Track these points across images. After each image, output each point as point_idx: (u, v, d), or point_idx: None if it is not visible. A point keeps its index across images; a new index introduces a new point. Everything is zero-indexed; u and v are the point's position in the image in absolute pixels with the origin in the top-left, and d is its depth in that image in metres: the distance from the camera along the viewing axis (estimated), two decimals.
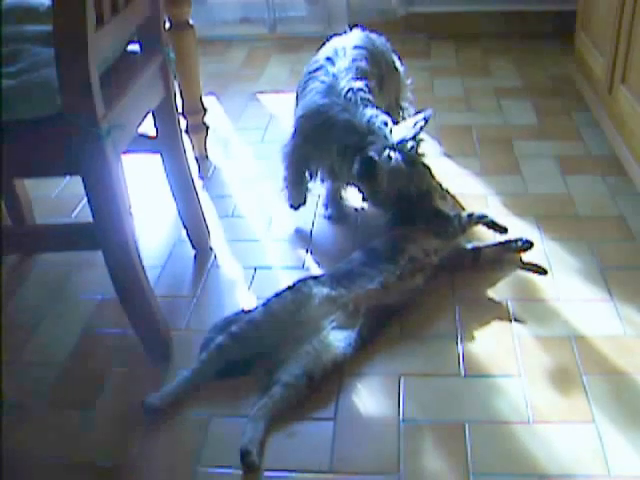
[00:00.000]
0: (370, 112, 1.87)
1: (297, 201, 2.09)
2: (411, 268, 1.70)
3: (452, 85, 2.96)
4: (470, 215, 1.90)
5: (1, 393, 1.46)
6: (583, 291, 1.76)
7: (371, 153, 1.79)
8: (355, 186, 1.94)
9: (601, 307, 1.71)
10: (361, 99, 1.89)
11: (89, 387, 1.57)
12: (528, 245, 1.87)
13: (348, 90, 1.90)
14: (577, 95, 2.76)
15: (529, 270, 1.84)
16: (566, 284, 1.79)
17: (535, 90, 2.87)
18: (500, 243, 1.88)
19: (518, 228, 1.97)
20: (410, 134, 1.83)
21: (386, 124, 1.85)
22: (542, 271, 1.83)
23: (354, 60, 2.01)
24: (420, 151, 1.86)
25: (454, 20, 3.45)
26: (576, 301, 1.73)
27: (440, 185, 2.01)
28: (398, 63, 2.27)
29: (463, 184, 2.22)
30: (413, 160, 1.83)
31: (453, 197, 2.08)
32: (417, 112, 1.94)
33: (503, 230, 1.90)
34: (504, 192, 2.18)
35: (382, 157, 1.79)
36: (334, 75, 1.95)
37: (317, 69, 2.02)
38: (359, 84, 1.93)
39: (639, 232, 1.96)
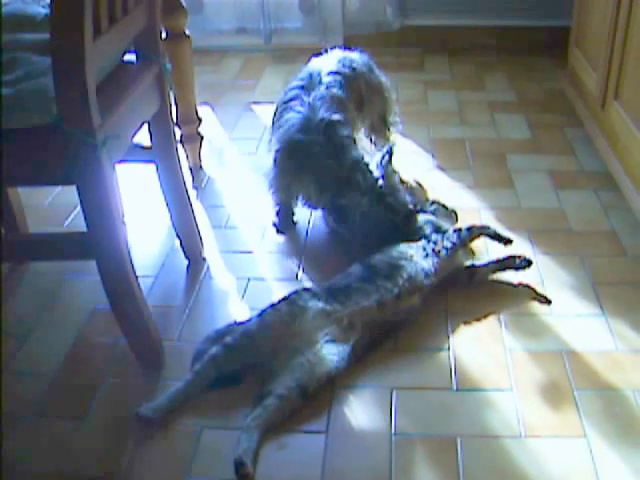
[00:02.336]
0: (352, 155, 1.92)
1: (283, 227, 2.12)
2: (409, 288, 1.69)
3: (446, 98, 2.98)
4: (470, 228, 1.88)
5: (1, 400, 1.45)
6: (575, 306, 1.77)
7: (343, 202, 1.89)
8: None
9: (593, 322, 1.72)
10: (343, 136, 1.93)
11: (81, 396, 1.56)
12: (526, 263, 1.84)
13: (326, 125, 1.92)
14: (570, 110, 2.77)
15: (535, 299, 1.80)
16: (558, 299, 1.79)
17: (529, 105, 2.88)
18: (498, 261, 1.85)
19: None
20: (379, 172, 1.92)
21: (367, 165, 1.92)
22: (547, 301, 1.79)
23: (328, 87, 2.02)
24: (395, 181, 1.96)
25: (449, 34, 3.47)
26: (568, 316, 1.74)
27: (444, 205, 2.03)
28: (383, 79, 2.28)
29: (456, 197, 2.22)
30: (384, 197, 1.90)
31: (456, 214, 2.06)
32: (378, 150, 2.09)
33: (507, 241, 1.89)
34: (497, 206, 2.19)
35: (353, 204, 1.89)
36: (309, 105, 1.97)
37: (292, 99, 2.03)
38: (336, 117, 1.95)
39: (631, 247, 1.97)
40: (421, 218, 1.91)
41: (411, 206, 1.92)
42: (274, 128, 2.08)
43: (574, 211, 2.15)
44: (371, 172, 1.91)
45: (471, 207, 2.17)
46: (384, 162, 1.94)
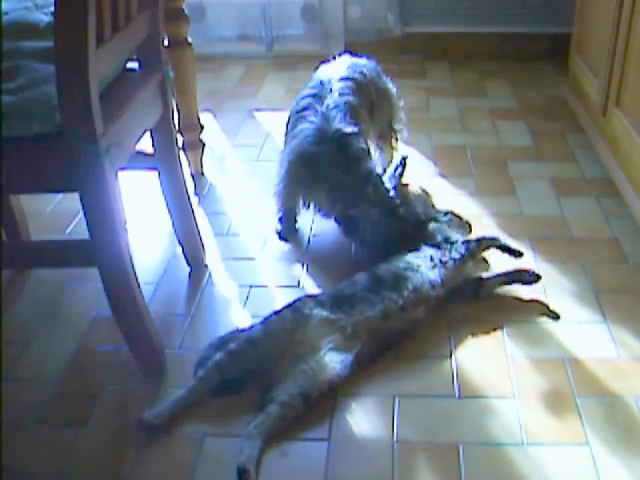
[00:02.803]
0: (365, 167, 1.91)
1: (286, 234, 2.12)
2: (414, 299, 1.67)
3: (447, 105, 2.98)
4: (479, 239, 1.84)
5: (1, 407, 1.45)
6: (577, 313, 1.77)
7: (352, 214, 1.88)
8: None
9: (595, 329, 1.72)
10: (356, 149, 1.92)
11: (82, 404, 1.56)
12: (534, 278, 1.82)
13: (340, 136, 1.92)
14: (571, 117, 2.78)
15: (545, 314, 1.77)
16: (560, 306, 1.79)
17: (530, 112, 2.89)
18: (505, 274, 1.83)
19: None
20: (392, 184, 1.92)
21: (379, 176, 1.91)
22: (557, 317, 1.77)
23: (341, 95, 2.01)
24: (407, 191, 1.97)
25: (450, 41, 3.48)
26: (570, 323, 1.73)
27: (459, 216, 1.99)
28: (390, 86, 2.28)
29: (458, 205, 2.21)
30: (396, 209, 1.89)
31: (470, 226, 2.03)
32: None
33: (518, 254, 1.85)
34: (499, 213, 2.19)
35: (363, 216, 1.88)
36: (323, 115, 1.96)
37: (305, 108, 2.02)
38: (351, 128, 1.94)
39: (632, 254, 1.97)
40: (431, 227, 1.89)
41: (423, 217, 1.92)
42: (288, 138, 2.08)
43: (576, 218, 2.15)
44: (383, 183, 1.91)
45: (473, 214, 2.16)
46: (397, 174, 1.93)
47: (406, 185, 1.96)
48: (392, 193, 1.90)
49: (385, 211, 1.88)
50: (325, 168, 1.91)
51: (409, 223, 1.89)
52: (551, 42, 3.35)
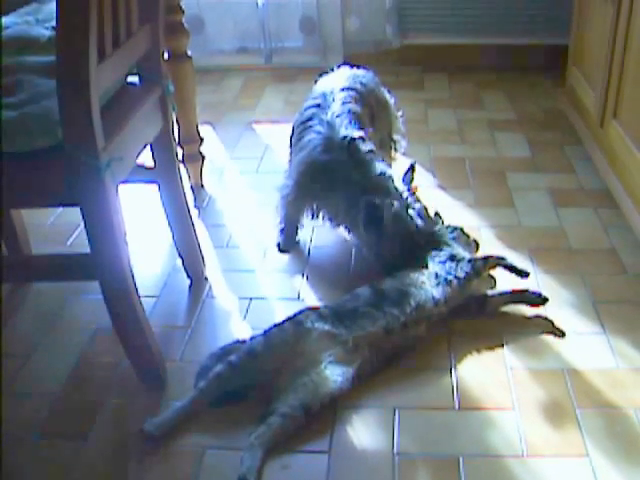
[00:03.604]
0: (378, 168, 1.90)
1: (286, 246, 2.12)
2: (416, 316, 1.67)
3: (446, 117, 2.99)
4: (486, 258, 1.83)
5: (1, 421, 1.45)
6: (576, 324, 1.77)
7: (376, 201, 1.83)
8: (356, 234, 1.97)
9: (594, 340, 1.72)
10: (366, 152, 1.92)
11: (83, 417, 1.56)
12: (541, 300, 1.80)
13: (349, 142, 1.92)
14: (569, 128, 2.79)
15: (551, 332, 1.76)
16: (559, 317, 1.79)
17: (528, 123, 2.90)
18: (511, 292, 1.82)
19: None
20: (405, 186, 1.91)
21: (392, 179, 1.90)
22: (561, 334, 1.75)
23: (344, 103, 2.03)
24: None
25: (448, 52, 3.50)
26: (569, 334, 1.74)
27: (466, 233, 1.97)
28: (388, 96, 2.29)
29: (457, 216, 2.23)
30: (410, 209, 1.88)
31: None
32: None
33: (524, 274, 1.84)
34: (497, 224, 2.19)
35: (385, 205, 1.84)
36: (328, 123, 1.97)
37: (310, 118, 2.03)
38: (358, 133, 1.94)
39: (631, 265, 1.98)
40: (442, 239, 1.88)
41: (434, 225, 1.92)
42: (294, 150, 2.08)
43: (574, 229, 2.16)
44: (397, 188, 1.89)
45: (471, 226, 2.17)
46: (407, 178, 1.93)
47: (415, 191, 1.96)
48: (406, 194, 1.89)
49: (404, 205, 1.87)
50: (338, 175, 1.91)
51: (422, 227, 1.88)
52: (548, 54, 3.37)
